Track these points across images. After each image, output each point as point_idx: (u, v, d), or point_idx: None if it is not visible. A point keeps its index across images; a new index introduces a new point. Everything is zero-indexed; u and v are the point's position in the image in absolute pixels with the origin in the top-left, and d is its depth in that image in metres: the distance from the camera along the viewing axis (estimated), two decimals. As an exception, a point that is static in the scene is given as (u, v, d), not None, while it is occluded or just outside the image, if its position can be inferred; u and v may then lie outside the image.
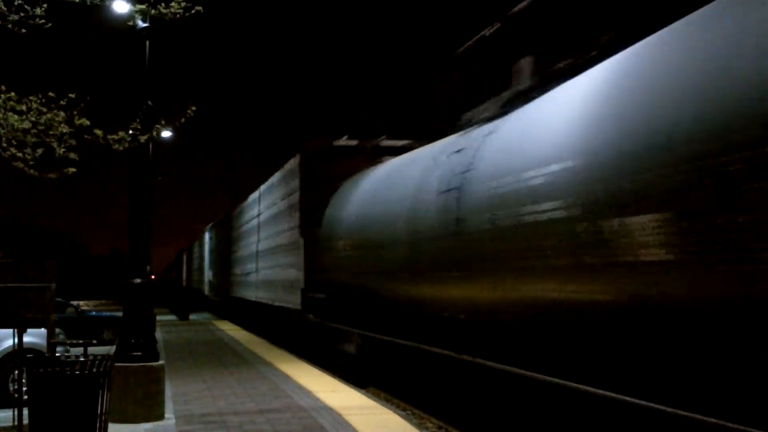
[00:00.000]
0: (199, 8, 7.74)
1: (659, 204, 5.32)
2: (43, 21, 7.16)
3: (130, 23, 8.23)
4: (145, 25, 8.97)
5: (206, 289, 45.37)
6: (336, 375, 13.14)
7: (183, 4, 7.65)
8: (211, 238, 44.10)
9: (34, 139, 7.44)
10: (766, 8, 4.81)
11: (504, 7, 9.75)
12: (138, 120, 8.09)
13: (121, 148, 7.85)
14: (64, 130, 7.41)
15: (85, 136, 7.54)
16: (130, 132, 7.95)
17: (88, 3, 7.46)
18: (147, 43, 9.42)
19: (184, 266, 66.57)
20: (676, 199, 5.13)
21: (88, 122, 7.48)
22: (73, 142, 7.57)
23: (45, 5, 7.07)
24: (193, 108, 8.16)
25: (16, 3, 7.03)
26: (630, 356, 6.23)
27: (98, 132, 7.58)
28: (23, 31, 7.16)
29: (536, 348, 7.78)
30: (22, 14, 7.00)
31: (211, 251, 43.06)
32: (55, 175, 7.81)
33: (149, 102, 8.65)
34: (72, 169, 7.74)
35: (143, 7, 7.68)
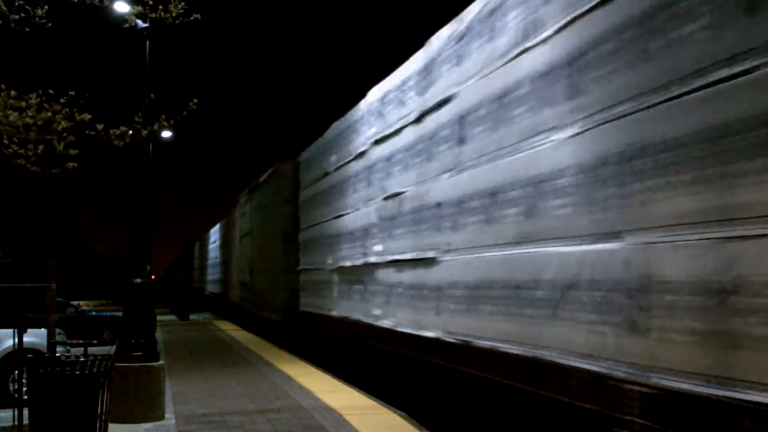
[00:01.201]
0: (197, 15, 7.81)
1: None
2: (44, 21, 7.19)
3: (128, 25, 8.28)
4: (146, 25, 9.01)
5: (210, 291, 39.81)
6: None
7: (180, 8, 7.71)
8: (237, 219, 30.95)
9: (35, 136, 7.46)
10: None
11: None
12: (140, 114, 8.11)
13: (122, 144, 7.87)
14: (65, 126, 7.43)
15: (87, 132, 7.57)
16: (131, 130, 7.96)
17: (87, 2, 7.49)
18: (147, 42, 9.44)
19: (183, 265, 66.33)
20: None
21: (89, 116, 7.50)
22: (72, 138, 7.60)
23: (46, 6, 7.11)
24: (195, 101, 8.19)
25: (17, 3, 7.06)
26: None
27: (99, 127, 7.61)
28: (26, 29, 7.19)
29: None
30: (22, 14, 7.03)
31: (245, 235, 27.61)
32: (56, 171, 7.85)
33: (151, 96, 8.68)
34: (73, 164, 7.76)
35: (141, 9, 7.73)
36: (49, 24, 7.24)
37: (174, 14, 7.74)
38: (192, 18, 7.84)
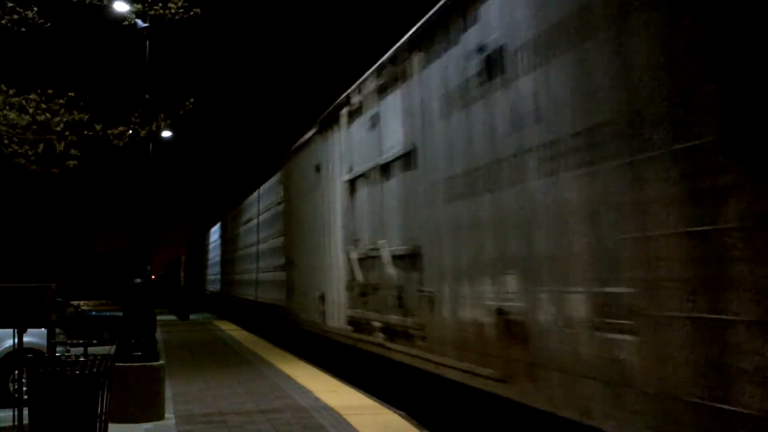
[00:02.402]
0: (197, 10, 7.82)
1: None
2: (41, 21, 7.21)
3: (128, 23, 8.30)
4: (146, 24, 9.02)
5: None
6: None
7: (180, 3, 7.73)
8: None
9: (33, 136, 7.47)
10: None
11: None
12: (137, 115, 8.14)
13: (121, 143, 7.90)
14: (61, 129, 7.45)
15: (85, 132, 7.58)
16: (130, 129, 7.99)
17: (87, 2, 7.51)
18: (147, 42, 9.45)
19: (186, 263, 65.90)
20: None
21: (86, 116, 7.52)
22: (74, 137, 7.62)
23: (35, 8, 7.13)
24: (192, 101, 8.21)
25: (8, 5, 7.08)
26: None
27: (97, 126, 7.64)
28: (23, 29, 7.20)
29: None
30: (15, 16, 7.05)
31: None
32: (56, 170, 7.86)
33: (146, 96, 8.69)
34: (73, 162, 7.78)
35: (140, 7, 7.75)
36: (48, 24, 7.26)
37: (173, 10, 7.76)
38: (192, 13, 7.85)
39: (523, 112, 6.36)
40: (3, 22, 7.07)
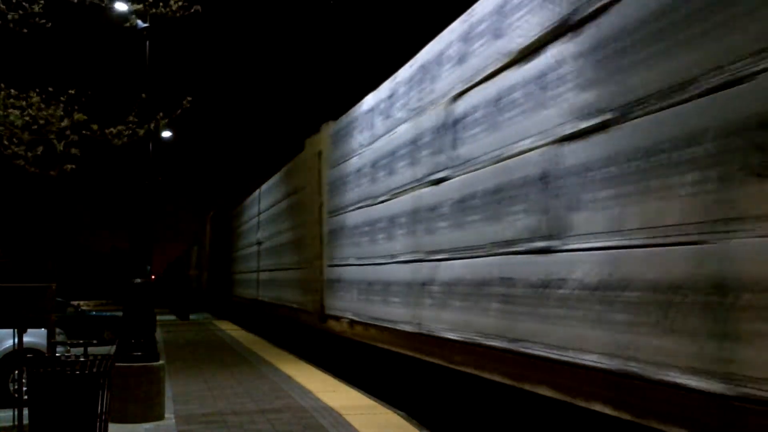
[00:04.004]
0: (198, 7, 7.82)
1: None
2: (43, 21, 7.21)
3: (128, 24, 8.30)
4: (146, 25, 9.02)
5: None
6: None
7: (180, 3, 7.73)
8: None
9: (32, 137, 7.48)
10: None
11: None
12: (133, 114, 8.15)
13: (120, 143, 7.90)
14: (64, 125, 7.46)
15: (83, 132, 7.59)
16: (128, 127, 8.00)
17: (87, 3, 7.51)
18: (147, 42, 9.45)
19: (208, 257, 64.15)
20: None
21: (84, 117, 7.53)
22: (75, 137, 7.63)
23: (42, 2, 7.13)
24: (189, 99, 8.23)
25: (14, 0, 7.09)
26: None
27: (94, 126, 7.65)
28: (24, 30, 7.21)
29: None
30: (20, 11, 7.06)
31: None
32: (54, 173, 7.87)
33: (147, 95, 8.70)
34: (71, 166, 7.79)
35: (140, 6, 7.76)
36: (49, 24, 7.26)
37: (174, 8, 7.77)
38: (192, 10, 7.86)
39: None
40: (9, 17, 7.08)
